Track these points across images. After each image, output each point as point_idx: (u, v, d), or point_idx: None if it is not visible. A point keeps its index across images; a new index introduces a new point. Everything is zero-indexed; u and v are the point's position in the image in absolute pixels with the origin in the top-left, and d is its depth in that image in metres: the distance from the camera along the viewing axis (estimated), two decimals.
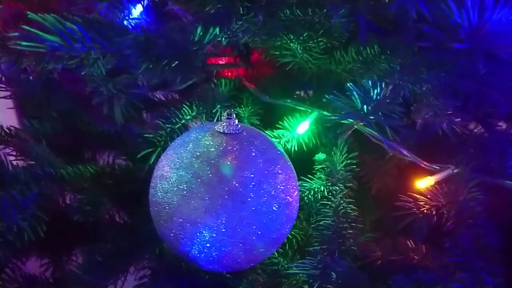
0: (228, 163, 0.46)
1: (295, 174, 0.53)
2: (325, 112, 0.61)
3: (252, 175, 0.47)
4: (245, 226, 0.46)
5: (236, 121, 0.50)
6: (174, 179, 0.48)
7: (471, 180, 0.63)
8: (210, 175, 0.46)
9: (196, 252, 0.48)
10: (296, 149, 0.70)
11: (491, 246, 0.56)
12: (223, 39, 0.52)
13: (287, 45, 0.66)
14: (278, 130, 0.71)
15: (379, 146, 0.65)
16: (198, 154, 0.48)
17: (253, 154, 0.48)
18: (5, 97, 0.72)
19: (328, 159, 0.70)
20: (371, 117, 0.45)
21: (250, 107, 0.76)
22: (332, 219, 0.61)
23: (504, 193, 0.63)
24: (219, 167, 0.46)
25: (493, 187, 0.64)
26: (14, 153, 0.66)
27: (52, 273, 0.68)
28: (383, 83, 0.46)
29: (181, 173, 0.47)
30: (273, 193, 0.48)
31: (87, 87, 0.58)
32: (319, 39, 0.61)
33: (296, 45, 0.66)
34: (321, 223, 0.60)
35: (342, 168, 0.69)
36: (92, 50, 0.47)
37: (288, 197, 0.50)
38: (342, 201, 0.64)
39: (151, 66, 0.47)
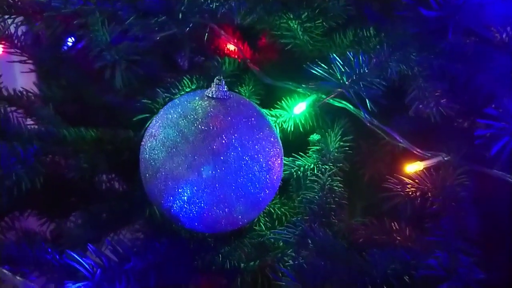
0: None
1: (280, 144, 0.55)
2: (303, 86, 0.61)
3: (235, 138, 0.49)
4: (224, 185, 0.48)
5: (226, 87, 0.53)
6: (161, 137, 0.50)
7: (459, 167, 0.64)
8: (195, 135, 0.49)
9: (178, 209, 0.50)
10: (292, 129, 0.71)
11: (472, 229, 0.56)
12: (214, 5, 0.53)
13: (287, 25, 0.68)
14: (276, 110, 0.73)
15: (376, 132, 0.66)
16: (185, 114, 0.50)
17: (238, 118, 0.50)
18: (20, 62, 0.76)
19: (322, 140, 0.72)
20: (349, 87, 0.46)
21: (251, 87, 0.78)
22: (318, 194, 0.63)
23: (492, 181, 0.64)
24: (204, 128, 0.48)
25: (483, 175, 0.64)
26: (23, 114, 0.69)
27: (51, 231, 0.71)
28: (366, 57, 0.47)
29: (168, 131, 0.50)
30: (254, 156, 0.50)
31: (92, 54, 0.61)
32: (317, 20, 0.62)
33: (295, 25, 0.68)
34: (307, 197, 0.62)
35: (335, 150, 0.70)
36: (88, 4, 0.50)
37: (269, 163, 0.52)
38: (330, 179, 0.65)
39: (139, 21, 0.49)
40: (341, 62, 0.47)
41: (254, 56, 0.82)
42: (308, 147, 0.71)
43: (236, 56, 0.84)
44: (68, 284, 0.44)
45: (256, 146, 0.51)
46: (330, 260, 0.49)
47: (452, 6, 0.37)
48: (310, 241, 0.51)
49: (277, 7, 0.60)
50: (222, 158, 0.48)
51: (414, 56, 0.55)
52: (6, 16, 0.62)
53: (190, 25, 0.56)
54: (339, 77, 0.47)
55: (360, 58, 0.47)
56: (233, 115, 0.51)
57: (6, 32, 0.75)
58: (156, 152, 0.50)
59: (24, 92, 0.72)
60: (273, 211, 0.67)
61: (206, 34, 0.63)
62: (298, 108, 0.72)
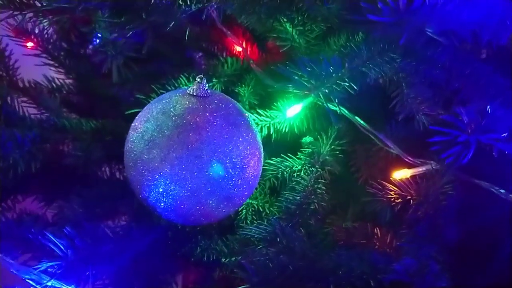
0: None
1: (258, 144, 0.57)
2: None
3: (209, 134, 0.51)
4: (195, 179, 0.51)
5: (206, 86, 0.55)
6: (141, 130, 0.53)
7: (447, 176, 0.63)
8: (171, 129, 0.51)
9: (154, 199, 0.53)
10: (287, 130, 0.73)
11: (449, 238, 0.56)
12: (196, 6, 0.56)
13: (282, 28, 0.69)
14: (272, 111, 0.74)
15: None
16: (164, 110, 0.53)
17: (214, 115, 0.53)
18: (34, 55, 0.81)
19: (314, 143, 0.73)
20: (316, 89, 0.47)
21: (251, 88, 0.80)
22: (300, 195, 0.64)
23: (481, 193, 0.62)
24: (180, 123, 0.51)
25: (472, 186, 0.63)
26: (31, 103, 0.74)
27: (54, 215, 0.75)
28: (338, 60, 0.48)
29: (147, 125, 0.53)
30: (228, 154, 0.52)
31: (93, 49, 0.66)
32: (307, 24, 0.63)
33: (290, 28, 0.69)
34: (287, 197, 0.63)
35: (327, 153, 0.71)
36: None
37: (244, 161, 0.53)
38: (314, 181, 0.66)
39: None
40: (309, 64, 0.47)
41: (261, 58, 0.84)
42: (301, 149, 0.73)
43: (240, 57, 0.86)
44: (42, 262, 0.47)
45: (231, 144, 0.52)
46: (296, 258, 0.50)
47: (406, 12, 0.38)
48: (278, 239, 0.52)
49: (266, 10, 0.61)
50: (195, 153, 0.51)
51: (398, 63, 0.55)
52: (17, 12, 0.67)
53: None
54: (307, 79, 0.48)
55: (331, 61, 0.47)
56: (210, 112, 0.53)
57: (24, 27, 0.80)
58: (136, 144, 0.53)
59: (33, 84, 0.77)
60: (261, 209, 0.69)
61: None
62: (291, 111, 0.73)
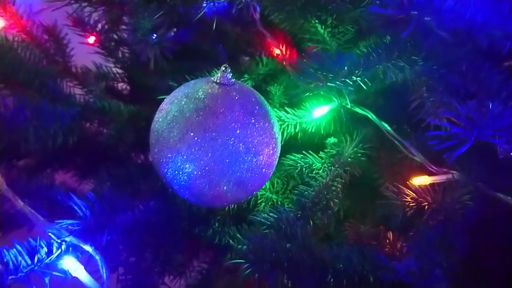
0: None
1: (275, 135, 0.59)
2: None
3: (226, 119, 0.54)
4: (209, 159, 0.54)
5: (230, 75, 0.58)
6: (165, 111, 0.57)
7: (467, 187, 0.62)
8: (191, 111, 0.55)
9: (171, 176, 0.57)
10: (313, 130, 0.74)
11: (458, 248, 0.55)
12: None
13: (314, 29, 0.72)
14: (300, 110, 0.76)
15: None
16: (188, 94, 0.56)
17: (234, 102, 0.55)
18: (86, 43, 0.89)
19: (337, 144, 0.74)
20: (328, 82, 0.48)
21: (283, 88, 0.82)
22: (314, 190, 0.65)
23: (500, 208, 0.61)
24: (200, 106, 0.54)
25: (493, 200, 0.62)
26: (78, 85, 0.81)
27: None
28: (353, 57, 0.49)
29: (171, 107, 0.57)
30: (243, 139, 0.55)
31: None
32: (336, 25, 0.65)
33: (322, 30, 0.71)
34: (301, 190, 0.65)
35: (349, 155, 0.72)
36: None
37: (258, 148, 0.56)
38: (331, 179, 0.67)
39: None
40: (322, 57, 0.49)
41: (298, 61, 0.87)
42: (325, 150, 0.74)
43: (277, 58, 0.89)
44: (64, 220, 0.52)
45: (247, 131, 0.55)
46: (297, 245, 0.51)
47: (410, 6, 0.38)
48: (283, 226, 0.54)
49: (297, 9, 0.64)
50: (210, 135, 0.54)
51: (419, 66, 0.56)
52: (74, 2, 0.74)
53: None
54: (320, 72, 0.50)
55: (346, 56, 0.49)
56: (229, 99, 0.56)
57: (80, 18, 0.88)
58: (160, 123, 0.57)
59: (83, 69, 0.85)
60: (275, 200, 0.71)
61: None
62: (318, 111, 0.75)
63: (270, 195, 0.72)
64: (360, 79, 0.51)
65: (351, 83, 0.51)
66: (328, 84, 0.50)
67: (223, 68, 0.58)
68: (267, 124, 0.58)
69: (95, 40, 0.90)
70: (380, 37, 0.65)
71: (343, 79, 0.50)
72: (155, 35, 0.69)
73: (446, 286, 0.48)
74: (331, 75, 0.49)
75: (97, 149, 0.72)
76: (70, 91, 0.75)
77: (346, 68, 0.49)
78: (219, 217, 0.65)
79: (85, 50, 0.91)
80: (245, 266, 0.47)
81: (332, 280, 0.50)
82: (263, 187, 0.73)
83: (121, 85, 0.90)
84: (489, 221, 0.60)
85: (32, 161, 0.72)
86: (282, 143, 0.73)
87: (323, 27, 0.70)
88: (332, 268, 0.51)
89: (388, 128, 0.69)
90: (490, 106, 0.40)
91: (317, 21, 0.68)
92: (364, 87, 0.52)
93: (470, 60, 0.49)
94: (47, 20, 0.90)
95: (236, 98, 0.56)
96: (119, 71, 0.89)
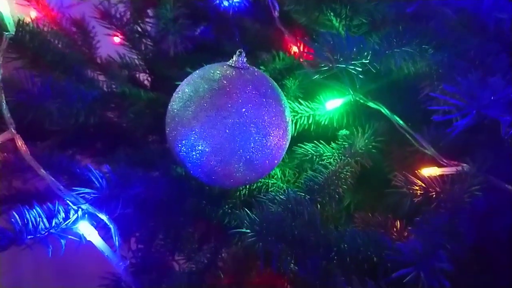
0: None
1: (286, 118, 0.61)
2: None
3: (238, 100, 0.56)
4: (220, 137, 0.56)
5: (245, 59, 0.60)
6: (181, 92, 0.60)
7: (477, 178, 0.62)
8: (205, 91, 0.57)
9: (184, 153, 0.59)
10: (326, 123, 0.76)
11: (464, 233, 0.55)
12: None
13: (329, 23, 0.74)
14: (313, 103, 0.78)
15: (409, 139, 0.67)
16: (204, 75, 0.59)
17: (247, 84, 0.58)
18: (111, 35, 0.93)
19: (349, 136, 0.75)
20: (337, 64, 0.50)
21: (297, 81, 0.84)
22: (324, 177, 0.66)
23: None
24: (214, 87, 0.57)
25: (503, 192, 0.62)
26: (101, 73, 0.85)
27: None
28: (362, 39, 0.51)
29: (187, 88, 0.59)
30: (253, 120, 0.57)
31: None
32: (351, 17, 0.67)
33: (337, 23, 0.73)
34: (311, 176, 0.66)
35: (361, 147, 0.73)
36: None
37: (268, 130, 0.58)
38: (340, 167, 0.68)
39: None
40: (332, 38, 0.51)
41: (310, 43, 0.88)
42: (337, 141, 0.75)
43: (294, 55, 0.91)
44: (81, 188, 0.55)
45: (258, 112, 0.57)
46: (302, 222, 0.52)
47: None
48: (290, 205, 0.55)
49: (312, 2, 0.66)
50: (222, 113, 0.56)
51: (430, 54, 0.57)
52: None
53: None
54: (330, 56, 0.51)
55: (355, 39, 0.51)
56: (243, 81, 0.58)
57: (107, 10, 0.93)
58: (176, 102, 0.60)
59: (107, 59, 0.89)
60: (285, 188, 0.72)
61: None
62: (331, 104, 0.76)
63: (282, 185, 0.74)
64: (369, 62, 0.52)
65: (359, 66, 0.52)
66: (338, 65, 0.52)
67: (238, 53, 0.60)
68: (278, 107, 0.60)
69: (119, 32, 0.94)
70: (393, 27, 0.66)
71: (353, 62, 0.51)
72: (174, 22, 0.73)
73: (450, 269, 0.48)
74: (341, 57, 0.51)
75: (116, 132, 0.75)
76: (94, 76, 0.79)
77: (355, 49, 0.51)
78: (229, 200, 0.67)
79: (110, 41, 0.95)
80: (250, 235, 0.48)
81: (335, 258, 0.51)
82: (274, 176, 0.75)
83: (142, 76, 0.94)
84: (498, 212, 0.60)
85: (54, 142, 0.76)
86: (295, 134, 0.75)
87: (338, 20, 0.72)
88: (337, 246, 0.52)
89: (400, 121, 0.70)
90: (492, 81, 0.41)
91: (332, 13, 0.70)
92: (374, 71, 0.53)
93: (478, 45, 0.50)
94: (76, 14, 0.95)
95: (249, 80, 0.59)
96: (141, 62, 0.92)
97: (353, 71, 0.53)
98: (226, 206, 0.66)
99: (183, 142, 0.58)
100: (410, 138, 0.70)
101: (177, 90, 0.62)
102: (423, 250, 0.50)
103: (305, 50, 0.87)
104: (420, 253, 0.50)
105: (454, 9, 0.42)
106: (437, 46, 0.56)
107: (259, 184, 0.72)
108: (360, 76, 0.52)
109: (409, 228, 0.56)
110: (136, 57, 0.93)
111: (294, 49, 0.90)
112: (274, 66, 0.86)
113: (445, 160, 0.68)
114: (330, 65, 0.51)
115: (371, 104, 0.71)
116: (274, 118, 0.59)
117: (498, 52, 0.49)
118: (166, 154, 0.74)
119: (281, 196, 0.60)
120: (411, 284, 0.48)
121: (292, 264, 0.49)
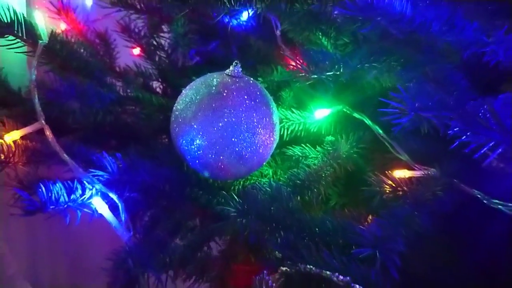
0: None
1: (273, 122, 0.71)
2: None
3: (232, 103, 0.67)
4: (215, 133, 0.66)
5: (240, 69, 0.71)
6: (184, 95, 0.70)
7: (440, 181, 0.71)
8: (204, 95, 0.68)
9: (185, 147, 0.69)
10: (315, 130, 0.86)
11: (422, 225, 0.63)
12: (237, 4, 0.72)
13: (319, 41, 0.84)
14: (305, 112, 0.88)
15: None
16: (204, 82, 0.70)
17: (240, 90, 0.68)
18: (129, 47, 1.05)
19: (334, 142, 0.85)
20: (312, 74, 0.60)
21: (292, 93, 0.94)
22: (305, 174, 0.75)
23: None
24: (212, 92, 0.67)
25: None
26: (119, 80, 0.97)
27: None
28: (340, 57, 0.61)
29: (190, 91, 0.70)
30: (245, 120, 0.67)
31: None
32: (337, 36, 0.77)
33: (326, 42, 0.83)
34: (294, 172, 0.75)
35: (344, 152, 0.82)
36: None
37: (257, 130, 0.68)
38: (323, 169, 0.77)
39: None
40: (309, 53, 0.61)
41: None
42: (322, 145, 0.84)
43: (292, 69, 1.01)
44: (96, 171, 0.65)
45: (248, 113, 0.67)
46: (279, 206, 0.62)
47: (365, 8, 0.49)
48: (270, 190, 0.64)
49: (302, 21, 0.76)
50: (218, 113, 0.66)
51: (397, 71, 0.66)
52: (123, 9, 0.91)
53: None
54: (307, 67, 0.61)
55: (328, 54, 0.60)
56: (237, 87, 0.68)
57: (127, 25, 1.05)
58: (179, 104, 0.70)
59: (123, 69, 1.01)
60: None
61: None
62: (320, 113, 0.86)
63: (273, 183, 0.83)
64: (341, 74, 0.62)
65: (331, 76, 0.62)
66: (313, 76, 0.61)
67: (234, 63, 0.71)
68: (267, 111, 0.70)
69: (137, 44, 1.06)
70: (373, 47, 0.76)
71: (326, 73, 0.61)
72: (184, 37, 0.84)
73: (404, 252, 0.56)
74: (315, 69, 0.61)
75: (129, 131, 0.85)
76: (112, 81, 0.90)
77: (327, 62, 0.60)
78: (224, 192, 0.76)
79: (128, 52, 1.08)
80: (233, 212, 0.58)
81: (307, 238, 0.60)
82: (267, 176, 0.84)
83: (155, 83, 1.05)
84: (462, 213, 0.68)
85: (75, 137, 0.87)
86: (288, 138, 0.84)
87: (326, 39, 0.82)
88: (308, 229, 0.61)
89: (380, 131, 0.79)
90: (429, 89, 0.50)
91: (320, 33, 0.80)
92: (344, 81, 0.63)
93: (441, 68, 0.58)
94: (100, 27, 1.07)
95: (242, 87, 0.69)
96: (155, 72, 1.04)
97: (325, 81, 0.62)
98: (220, 196, 0.75)
99: (184, 137, 0.69)
100: (387, 144, 0.79)
101: (181, 93, 0.73)
102: (381, 235, 0.59)
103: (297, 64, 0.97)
104: (378, 237, 0.58)
105: (404, 32, 0.51)
106: (404, 64, 0.66)
107: (252, 181, 0.82)
108: (334, 86, 0.62)
109: (374, 217, 0.65)
110: (150, 67, 1.05)
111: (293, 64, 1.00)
112: (272, 79, 0.96)
113: (417, 166, 0.76)
114: (306, 75, 0.61)
115: (355, 115, 0.81)
116: (262, 120, 0.69)
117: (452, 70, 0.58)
118: (170, 150, 0.85)
119: (264, 186, 0.69)
120: (368, 261, 0.56)
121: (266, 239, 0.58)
